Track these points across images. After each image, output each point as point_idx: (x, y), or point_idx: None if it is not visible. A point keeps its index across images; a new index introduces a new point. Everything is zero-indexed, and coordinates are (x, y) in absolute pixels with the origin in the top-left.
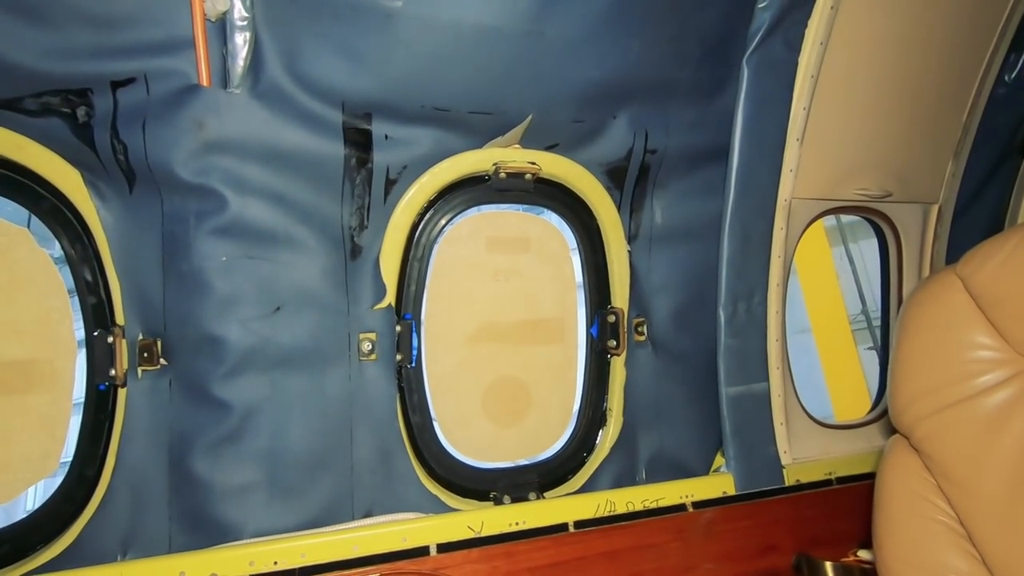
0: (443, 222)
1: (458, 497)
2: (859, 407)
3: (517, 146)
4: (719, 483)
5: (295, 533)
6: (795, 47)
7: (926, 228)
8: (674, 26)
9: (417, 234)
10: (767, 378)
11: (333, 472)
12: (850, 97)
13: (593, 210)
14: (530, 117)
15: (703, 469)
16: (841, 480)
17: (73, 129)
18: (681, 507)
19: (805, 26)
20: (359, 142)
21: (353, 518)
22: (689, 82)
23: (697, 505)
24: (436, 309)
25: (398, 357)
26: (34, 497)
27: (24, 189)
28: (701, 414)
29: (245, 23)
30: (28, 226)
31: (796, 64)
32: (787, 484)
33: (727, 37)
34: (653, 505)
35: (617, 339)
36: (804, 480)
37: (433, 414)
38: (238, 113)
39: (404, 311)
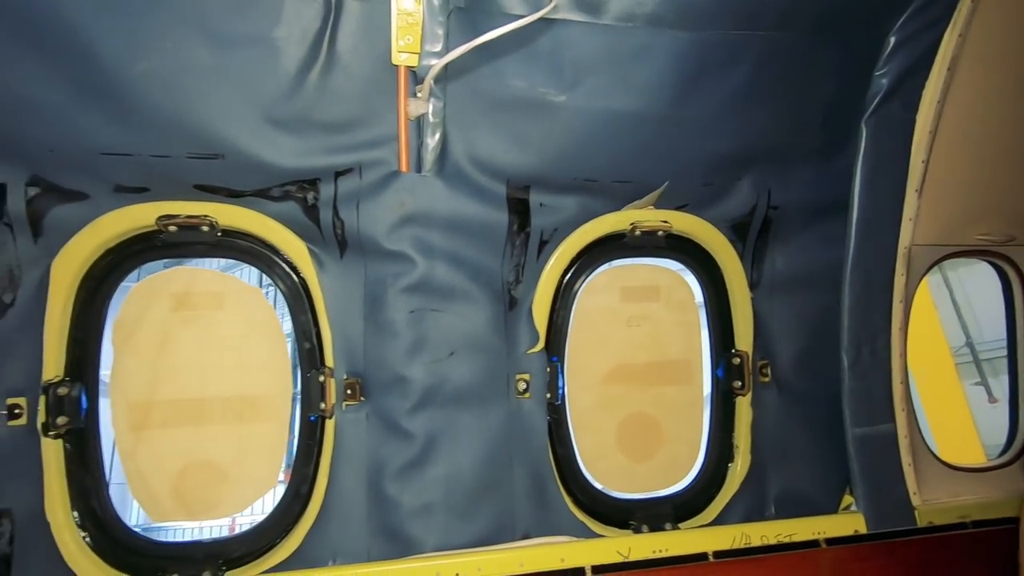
0: (584, 275)
1: (601, 524)
2: (967, 447)
3: (651, 208)
4: (851, 522)
5: (470, 550)
6: (912, 107)
7: None
8: (797, 98)
9: (563, 286)
10: (893, 419)
11: (496, 497)
12: (969, 147)
13: (718, 261)
14: (665, 184)
15: (831, 507)
16: (977, 524)
17: (304, 210)
18: (814, 543)
19: (922, 88)
20: (519, 210)
21: (514, 539)
22: (810, 144)
23: (830, 542)
24: (576, 352)
25: (547, 395)
26: None
27: (263, 257)
28: (827, 453)
29: (437, 120)
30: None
31: (913, 123)
32: (919, 525)
33: (846, 102)
34: (786, 540)
35: (742, 380)
36: (937, 522)
37: (576, 447)
38: (427, 191)
39: (552, 354)
